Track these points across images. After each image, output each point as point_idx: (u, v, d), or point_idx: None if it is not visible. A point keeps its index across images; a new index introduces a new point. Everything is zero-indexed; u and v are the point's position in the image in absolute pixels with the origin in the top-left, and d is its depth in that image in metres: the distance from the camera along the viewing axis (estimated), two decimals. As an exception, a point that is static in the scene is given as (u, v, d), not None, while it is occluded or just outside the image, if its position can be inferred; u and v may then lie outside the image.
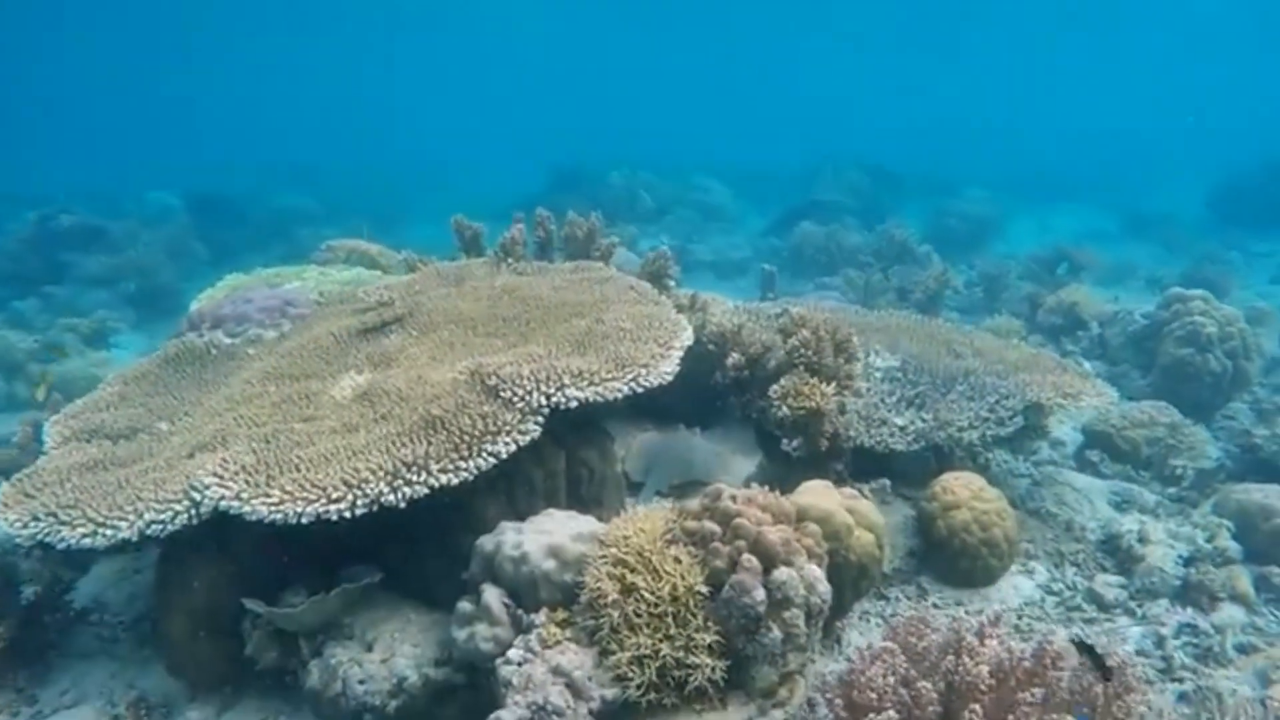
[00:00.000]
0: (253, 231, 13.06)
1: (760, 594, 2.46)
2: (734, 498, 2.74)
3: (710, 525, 2.65)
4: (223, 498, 2.80)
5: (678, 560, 2.59)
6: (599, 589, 2.60)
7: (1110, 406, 4.45)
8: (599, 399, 3.10)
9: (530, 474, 3.16)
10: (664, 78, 39.41)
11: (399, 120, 34.04)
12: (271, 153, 23.55)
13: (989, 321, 7.89)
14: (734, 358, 3.84)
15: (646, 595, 2.54)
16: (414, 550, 3.21)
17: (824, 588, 2.55)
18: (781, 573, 2.49)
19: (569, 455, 3.29)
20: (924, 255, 10.64)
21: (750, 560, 2.50)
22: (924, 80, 37.09)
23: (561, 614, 2.73)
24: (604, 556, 2.68)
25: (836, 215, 12.86)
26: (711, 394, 4.39)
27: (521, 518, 3.02)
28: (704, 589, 2.54)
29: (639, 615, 2.53)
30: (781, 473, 3.92)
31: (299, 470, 2.91)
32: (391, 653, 3.01)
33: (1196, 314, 5.82)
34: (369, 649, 3.03)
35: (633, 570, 2.61)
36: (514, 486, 3.15)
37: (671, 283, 4.77)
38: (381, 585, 3.22)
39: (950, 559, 3.66)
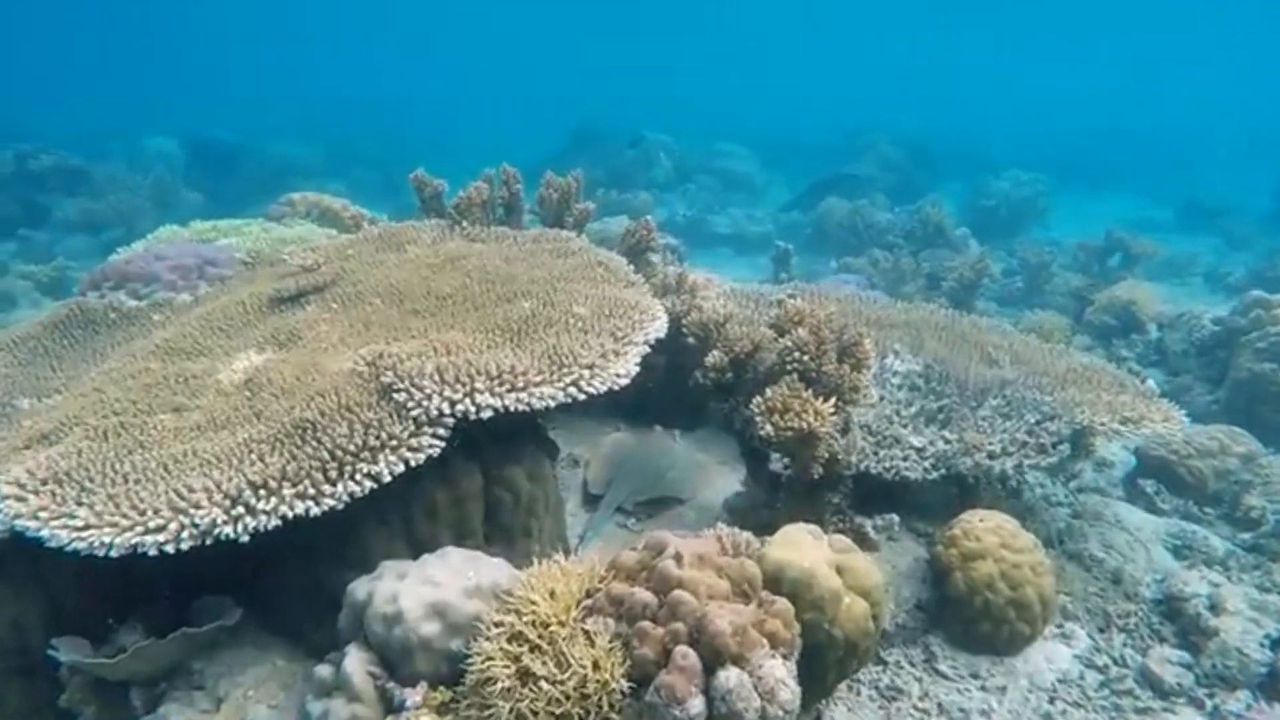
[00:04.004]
0: (251, 182, 12.43)
1: (697, 705, 1.76)
2: (679, 556, 2.03)
3: (642, 596, 1.95)
4: (17, 516, 2.16)
5: (591, 641, 1.90)
6: (487, 671, 1.93)
7: (1177, 431, 3.67)
8: (522, 408, 2.41)
9: (431, 497, 2.48)
10: (697, 39, 38.17)
11: (420, 77, 33.19)
12: (287, 103, 22.92)
13: (1029, 317, 7.05)
14: (714, 357, 3.12)
15: (547, 687, 1.86)
16: (286, 583, 2.56)
17: (787, 695, 1.85)
18: (730, 676, 1.79)
19: (488, 474, 2.59)
20: (960, 239, 9.76)
21: (686, 656, 1.80)
22: (969, 52, 35.53)
23: (443, 694, 2.08)
24: (500, 627, 2.01)
25: (866, 191, 11.95)
26: (697, 391, 3.69)
27: (419, 552, 2.36)
28: (624, 685, 1.85)
29: (535, 713, 1.86)
30: (767, 498, 3.22)
31: (126, 483, 2.25)
32: (242, 714, 2.38)
33: (1284, 322, 4.96)
34: (218, 706, 2.40)
35: (533, 650, 1.93)
36: (411, 512, 2.47)
37: (655, 258, 4.05)
38: (253, 621, 2.59)
39: (968, 620, 2.94)
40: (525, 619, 1.99)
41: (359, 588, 2.23)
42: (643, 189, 12.74)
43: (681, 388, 3.87)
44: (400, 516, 2.46)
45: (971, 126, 21.22)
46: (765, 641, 1.90)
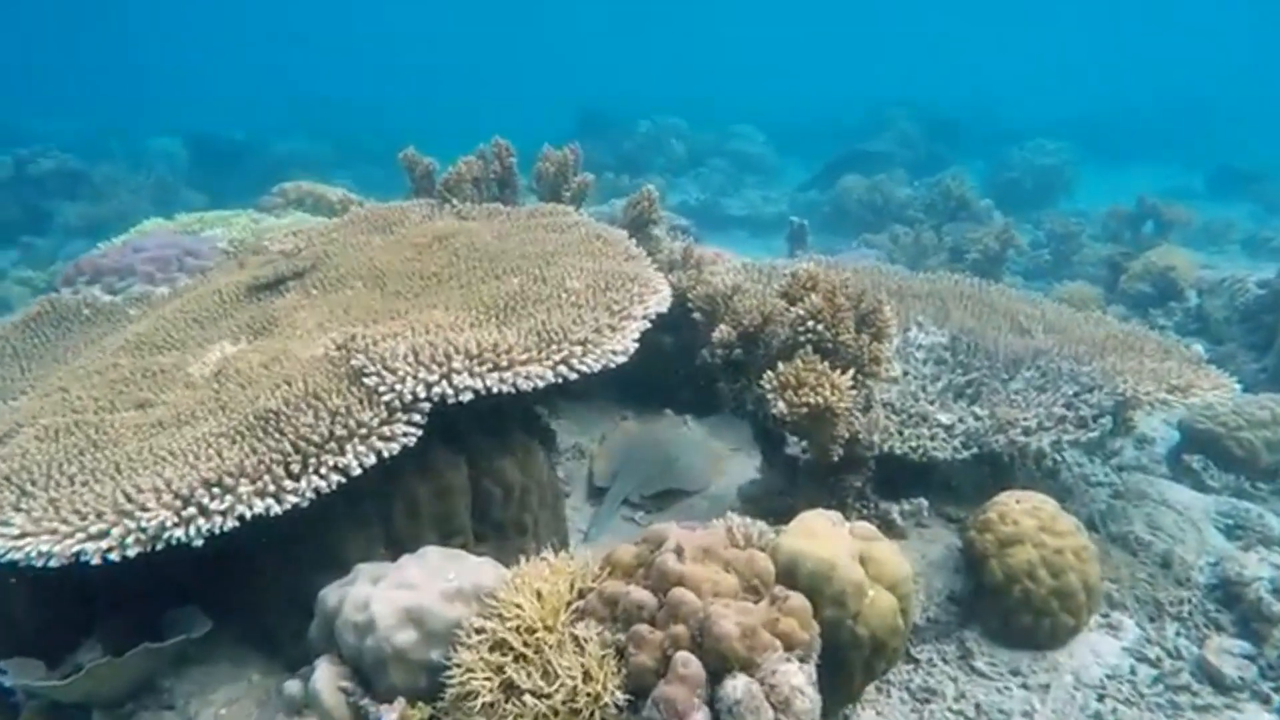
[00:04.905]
0: (256, 180, 12.30)
1: (700, 721, 1.53)
2: (680, 549, 1.80)
3: (638, 595, 1.72)
4: (-49, 523, 1.97)
5: (580, 649, 1.68)
6: (468, 684, 1.72)
7: (1225, 401, 3.38)
8: (507, 389, 2.18)
9: (413, 492, 2.26)
10: (706, 21, 37.69)
11: (423, 73, 32.94)
12: (292, 102, 22.83)
13: (1059, 288, 6.72)
14: (721, 331, 2.88)
15: (532, 702, 1.64)
16: (265, 591, 2.36)
17: (804, 704, 1.61)
18: (737, 685, 1.56)
19: (475, 465, 2.37)
20: (983, 211, 9.39)
21: (688, 664, 1.57)
22: (988, 23, 34.74)
23: (421, 710, 1.86)
24: (481, 634, 1.79)
25: (885, 167, 11.58)
26: (705, 371, 3.45)
27: (401, 553, 2.15)
28: (619, 698, 1.63)
29: (520, 732, 1.64)
30: (784, 484, 2.98)
31: (71, 485, 2.06)
32: (213, 735, 2.18)
33: (1336, 282, 4.62)
34: (187, 727, 2.21)
35: (518, 659, 1.71)
36: (390, 508, 2.26)
37: (658, 231, 3.79)
38: (230, 633, 2.40)
39: (1006, 612, 2.69)
40: (509, 624, 1.77)
41: (330, 594, 2.02)
42: (654, 173, 12.47)
43: (691, 369, 3.64)
44: (379, 514, 2.24)
45: (992, 101, 20.66)
46: (778, 644, 1.66)
